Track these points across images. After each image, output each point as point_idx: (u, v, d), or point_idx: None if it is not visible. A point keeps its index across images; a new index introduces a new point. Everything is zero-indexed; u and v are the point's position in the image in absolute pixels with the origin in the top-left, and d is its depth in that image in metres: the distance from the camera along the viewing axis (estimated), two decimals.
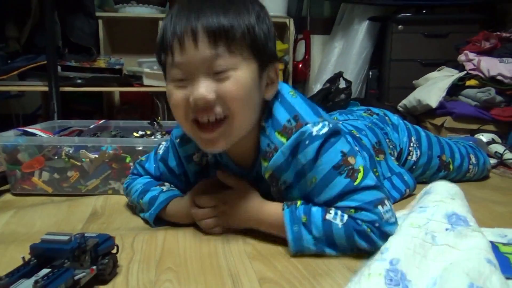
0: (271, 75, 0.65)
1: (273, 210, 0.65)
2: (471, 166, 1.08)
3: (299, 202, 0.64)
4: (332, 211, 0.61)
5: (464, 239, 0.50)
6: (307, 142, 0.61)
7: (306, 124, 0.62)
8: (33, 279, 0.45)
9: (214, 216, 0.69)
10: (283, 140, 0.63)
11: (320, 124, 0.62)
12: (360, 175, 0.61)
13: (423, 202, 0.61)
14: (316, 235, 0.60)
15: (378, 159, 0.88)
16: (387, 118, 1.02)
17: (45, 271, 0.47)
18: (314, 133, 0.61)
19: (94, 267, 0.51)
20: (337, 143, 0.62)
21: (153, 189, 0.76)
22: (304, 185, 0.65)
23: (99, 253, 0.53)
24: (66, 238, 0.50)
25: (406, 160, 1.00)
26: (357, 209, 0.59)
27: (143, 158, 0.85)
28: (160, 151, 0.81)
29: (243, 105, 0.60)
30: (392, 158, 0.94)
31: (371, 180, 0.62)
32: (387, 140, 0.95)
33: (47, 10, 1.57)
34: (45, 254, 0.50)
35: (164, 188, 0.77)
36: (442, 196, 0.60)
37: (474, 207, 0.86)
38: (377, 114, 1.02)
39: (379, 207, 0.59)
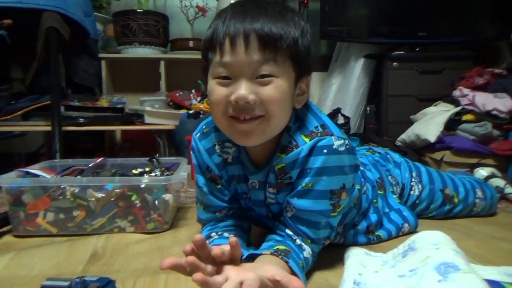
0: (303, 87, 0.69)
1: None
2: (477, 200, 1.07)
3: (290, 251, 0.64)
4: (302, 244, 0.67)
5: (459, 283, 0.49)
6: (324, 150, 0.66)
7: (332, 135, 0.67)
8: None
9: None
10: (307, 140, 0.68)
11: (342, 141, 0.67)
12: (338, 210, 0.69)
13: (412, 264, 0.61)
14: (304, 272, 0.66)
15: (380, 192, 0.91)
16: (389, 156, 1.06)
17: None
18: (334, 146, 0.66)
19: None
20: (346, 176, 0.68)
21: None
22: (296, 186, 0.68)
23: None
24: (66, 284, 0.50)
25: (409, 195, 1.02)
26: (313, 241, 0.69)
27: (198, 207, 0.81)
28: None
29: (280, 108, 0.64)
30: (394, 196, 0.96)
31: (337, 219, 0.71)
32: (390, 176, 0.98)
33: (52, 53, 1.61)
34: None
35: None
36: (428, 251, 0.60)
37: (479, 244, 0.86)
38: (379, 153, 1.06)
39: (326, 241, 0.72)
